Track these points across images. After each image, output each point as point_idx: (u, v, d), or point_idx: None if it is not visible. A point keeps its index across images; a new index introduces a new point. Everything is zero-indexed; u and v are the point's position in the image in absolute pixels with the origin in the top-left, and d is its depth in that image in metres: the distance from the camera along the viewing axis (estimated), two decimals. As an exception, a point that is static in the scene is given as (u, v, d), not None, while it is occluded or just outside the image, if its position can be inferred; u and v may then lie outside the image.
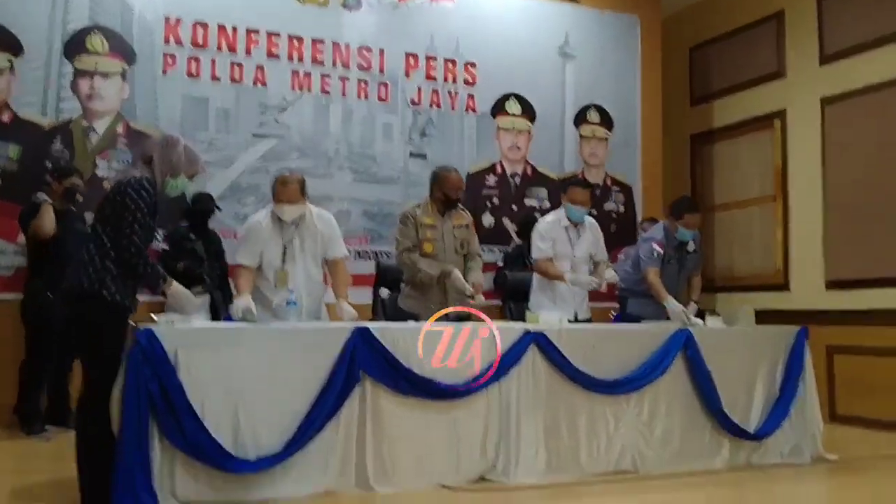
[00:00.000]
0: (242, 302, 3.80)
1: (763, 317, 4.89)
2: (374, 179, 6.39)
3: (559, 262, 4.84)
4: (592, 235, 4.95)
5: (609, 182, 7.23)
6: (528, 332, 3.91)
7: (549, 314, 4.23)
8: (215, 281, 5.47)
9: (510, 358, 3.84)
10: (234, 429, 3.34)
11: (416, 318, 4.21)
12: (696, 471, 4.10)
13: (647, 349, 4.16)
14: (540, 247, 4.89)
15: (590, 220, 5.02)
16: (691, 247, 5.08)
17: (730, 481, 3.99)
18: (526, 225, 6.13)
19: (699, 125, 7.95)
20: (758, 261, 7.23)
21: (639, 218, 7.26)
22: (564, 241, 4.86)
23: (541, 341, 3.91)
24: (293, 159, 6.11)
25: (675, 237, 5.01)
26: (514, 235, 6.70)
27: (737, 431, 4.27)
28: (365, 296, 5.31)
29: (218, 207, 5.61)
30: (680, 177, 7.99)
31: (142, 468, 3.11)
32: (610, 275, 4.81)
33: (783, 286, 6.93)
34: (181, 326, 3.35)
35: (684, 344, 4.19)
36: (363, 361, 3.56)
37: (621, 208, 7.25)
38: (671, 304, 4.67)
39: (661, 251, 4.95)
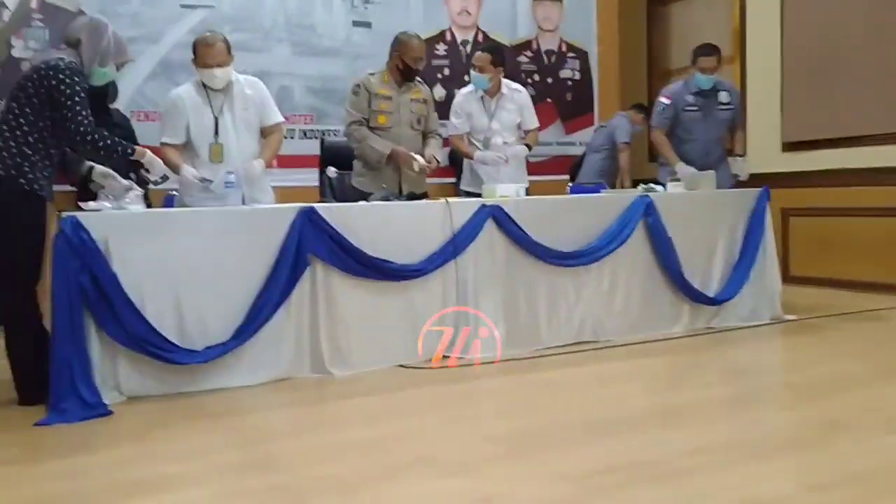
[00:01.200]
0: (191, 169, 3.54)
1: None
2: (315, 52, 5.98)
3: (476, 136, 4.65)
4: (515, 104, 4.70)
5: (564, 48, 6.92)
6: (483, 206, 3.74)
7: (506, 187, 4.05)
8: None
9: (466, 234, 3.68)
10: (178, 318, 3.17)
11: (369, 198, 4.00)
12: (656, 337, 4.08)
13: (607, 218, 4.03)
14: (453, 123, 4.72)
15: (514, 85, 4.77)
16: (724, 97, 4.95)
17: (689, 346, 3.98)
18: None
19: (655, -14, 7.61)
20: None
21: (595, 85, 7.01)
22: (480, 113, 4.64)
23: (497, 215, 3.75)
24: (226, 32, 5.56)
25: (694, 85, 4.91)
26: None
27: (697, 297, 4.24)
28: (311, 177, 5.06)
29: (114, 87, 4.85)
30: (636, 42, 7.70)
31: (80, 363, 2.94)
32: (518, 149, 4.63)
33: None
34: (111, 212, 3.10)
35: (645, 211, 4.06)
36: (311, 244, 3.37)
37: (577, 75, 6.98)
38: (681, 168, 4.65)
39: (668, 103, 4.92)
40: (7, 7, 5.12)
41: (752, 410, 2.93)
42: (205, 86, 3.75)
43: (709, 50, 4.93)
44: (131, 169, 3.42)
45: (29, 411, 2.96)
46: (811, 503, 1.94)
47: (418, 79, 4.39)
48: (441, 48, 6.43)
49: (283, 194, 4.33)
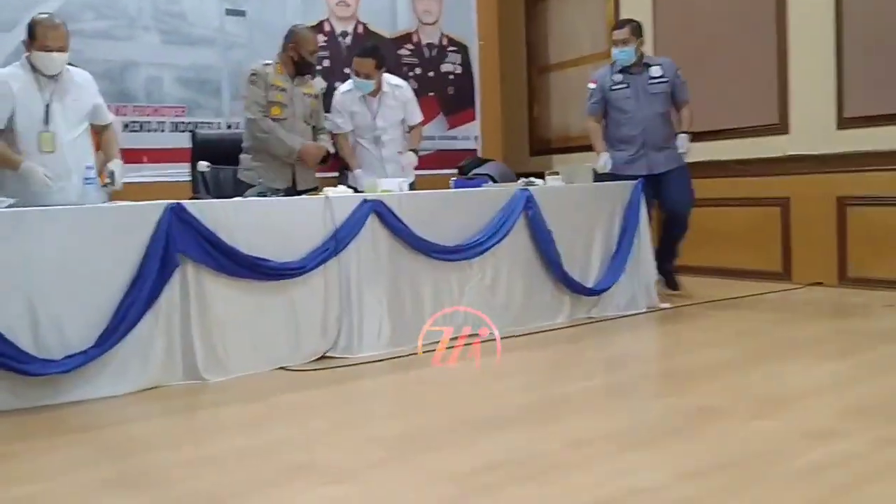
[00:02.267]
0: (37, 167, 3.30)
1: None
2: (186, 41, 5.69)
3: (363, 135, 4.59)
4: (397, 100, 4.66)
5: (445, 41, 6.90)
6: (365, 201, 3.66)
7: (389, 181, 3.98)
8: None
9: (348, 229, 3.59)
10: (32, 326, 2.92)
11: (244, 194, 3.84)
12: (539, 329, 4.13)
13: (488, 212, 4.04)
14: (336, 122, 4.65)
15: (395, 80, 4.73)
16: (655, 71, 4.80)
17: (570, 337, 4.05)
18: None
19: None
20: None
21: (476, 79, 7.05)
22: (364, 112, 4.59)
23: (380, 210, 3.68)
24: (88, 20, 5.30)
25: (617, 64, 4.87)
26: None
27: (577, 288, 4.32)
28: (182, 172, 4.84)
29: None
30: (516, 37, 7.79)
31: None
32: (408, 159, 4.61)
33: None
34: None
35: (525, 205, 4.09)
36: (180, 242, 3.19)
37: (459, 69, 6.98)
38: (601, 158, 4.70)
39: (594, 87, 4.93)
40: None
41: (628, 400, 2.99)
42: (34, 70, 3.49)
43: (619, 23, 4.95)
44: None
45: None
46: (684, 491, 1.97)
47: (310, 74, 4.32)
48: (319, 39, 6.26)
49: (153, 190, 4.13)
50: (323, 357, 3.58)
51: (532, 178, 4.41)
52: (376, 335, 3.70)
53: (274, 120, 4.13)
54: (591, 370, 3.49)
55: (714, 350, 3.66)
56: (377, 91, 4.56)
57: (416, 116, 4.74)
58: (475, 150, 7.02)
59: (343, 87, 4.65)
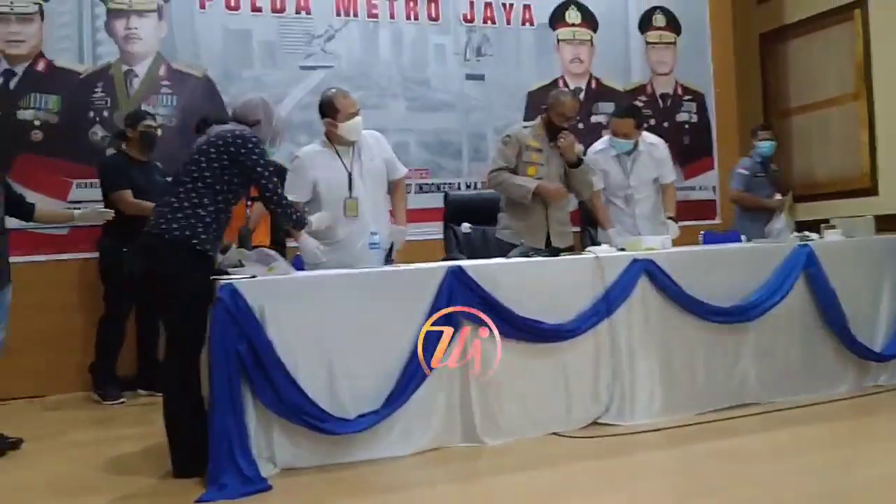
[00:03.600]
0: (312, 242, 3.47)
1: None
2: (429, 107, 5.95)
3: (613, 194, 4.46)
4: (651, 158, 4.50)
5: (680, 91, 6.71)
6: (635, 260, 3.54)
7: (651, 238, 3.84)
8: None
9: (619, 290, 3.48)
10: (329, 386, 3.05)
11: (508, 254, 3.86)
12: (821, 399, 3.76)
13: (764, 270, 3.77)
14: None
15: (651, 139, 4.57)
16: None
17: (861, 407, 3.64)
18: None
19: (768, 23, 7.34)
20: (841, 165, 6.72)
21: (713, 127, 6.77)
22: (617, 171, 4.46)
23: (651, 269, 3.54)
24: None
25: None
26: None
27: (864, 353, 3.90)
28: (430, 231, 5.01)
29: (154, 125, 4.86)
30: (752, 81, 7.43)
31: (238, 434, 2.85)
32: (671, 231, 4.37)
33: (870, 191, 6.44)
34: (265, 278, 3.04)
35: (806, 262, 3.78)
36: (460, 304, 3.22)
37: (694, 118, 6.75)
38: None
39: (745, 173, 5.45)
40: (137, 75, 5.27)
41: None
42: (330, 142, 3.73)
43: (763, 125, 5.53)
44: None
45: (186, 484, 2.89)
46: None
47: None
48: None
49: (410, 250, 4.24)
50: (594, 423, 3.46)
51: (806, 233, 4.08)
52: (648, 401, 3.53)
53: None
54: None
55: None
56: (632, 149, 4.46)
57: (670, 175, 4.59)
58: (714, 200, 6.72)
59: (597, 146, 4.59)
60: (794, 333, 3.82)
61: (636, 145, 4.44)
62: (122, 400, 4.61)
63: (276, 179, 3.15)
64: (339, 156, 3.74)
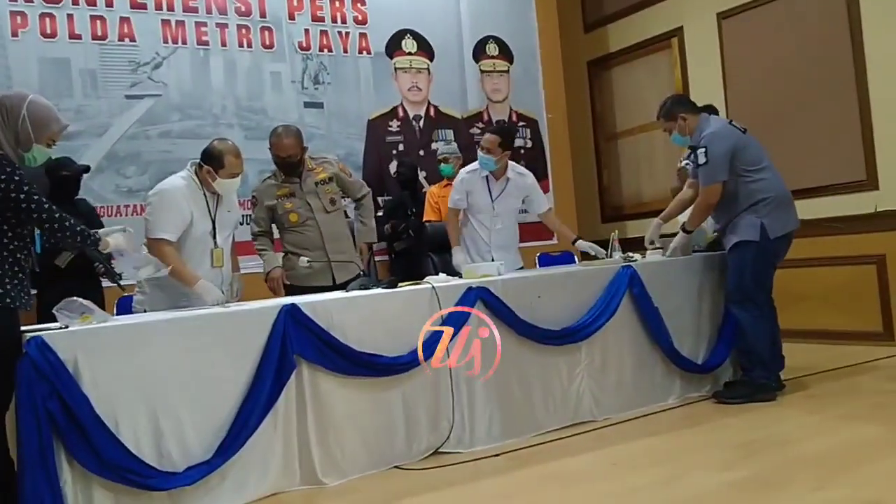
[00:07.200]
0: (213, 289, 3.39)
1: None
2: (267, 135, 5.79)
3: (476, 215, 4.55)
4: (519, 189, 4.57)
5: (515, 117, 6.93)
6: (470, 288, 3.60)
7: (487, 265, 3.92)
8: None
9: (455, 319, 3.51)
10: (156, 439, 2.88)
11: (347, 288, 3.80)
12: (651, 410, 3.96)
13: (592, 291, 3.94)
14: (452, 196, 4.62)
15: (519, 169, 4.67)
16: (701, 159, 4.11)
17: (688, 418, 3.86)
18: (406, 174, 5.95)
19: (595, 51, 7.76)
20: (665, 185, 7.16)
21: (547, 152, 7.04)
22: (482, 192, 4.54)
23: (485, 297, 3.60)
24: (175, 121, 5.48)
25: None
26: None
27: (688, 366, 4.15)
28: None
29: (86, 168, 4.61)
30: (582, 106, 7.80)
31: (52, 498, 2.62)
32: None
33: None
34: (78, 329, 2.82)
35: (629, 282, 3.98)
36: (296, 344, 3.15)
37: (529, 143, 6.99)
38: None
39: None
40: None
41: (783, 492, 2.76)
42: (202, 185, 3.58)
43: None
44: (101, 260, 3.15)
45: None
46: None
47: (323, 157, 4.39)
48: (394, 124, 6.36)
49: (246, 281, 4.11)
50: (436, 452, 3.47)
51: (630, 253, 4.30)
52: (487, 426, 3.58)
53: (293, 227, 4.17)
54: (727, 459, 3.18)
55: (854, 427, 3.42)
56: (501, 175, 4.51)
57: (544, 204, 4.69)
58: (551, 222, 6.96)
59: (468, 167, 4.63)
60: (624, 351, 4.01)
61: (505, 171, 4.50)
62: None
63: (45, 202, 2.70)
64: (206, 203, 3.60)
